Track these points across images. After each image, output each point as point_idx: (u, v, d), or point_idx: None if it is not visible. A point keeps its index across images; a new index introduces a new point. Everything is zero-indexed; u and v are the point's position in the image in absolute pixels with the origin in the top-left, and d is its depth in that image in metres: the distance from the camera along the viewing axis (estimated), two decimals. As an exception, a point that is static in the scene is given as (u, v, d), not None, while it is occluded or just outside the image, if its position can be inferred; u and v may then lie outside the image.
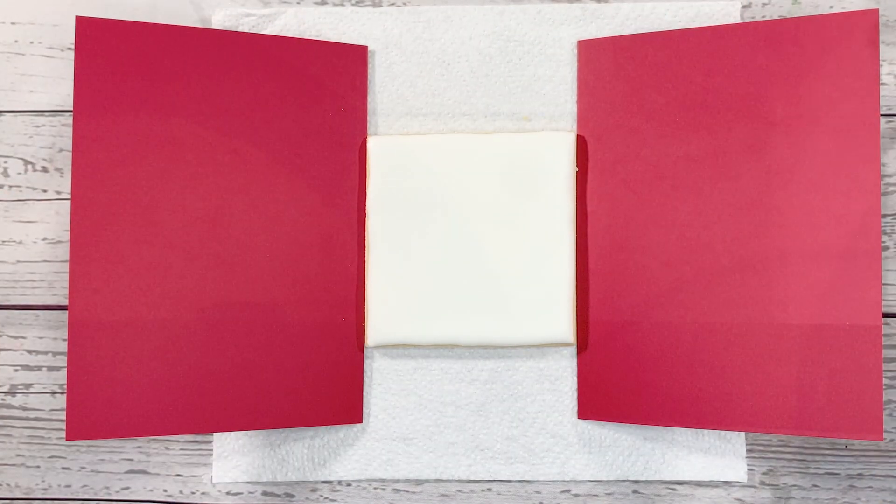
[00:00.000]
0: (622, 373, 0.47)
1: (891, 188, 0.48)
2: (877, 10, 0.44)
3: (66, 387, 0.48)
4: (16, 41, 0.49)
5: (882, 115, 0.48)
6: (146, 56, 0.45)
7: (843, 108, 0.44)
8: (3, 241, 0.49)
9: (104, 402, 0.44)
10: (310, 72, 0.48)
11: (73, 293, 0.44)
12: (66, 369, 0.48)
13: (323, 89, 0.48)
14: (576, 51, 0.49)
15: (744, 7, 0.49)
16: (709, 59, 0.46)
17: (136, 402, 0.45)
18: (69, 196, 0.49)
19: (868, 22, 0.44)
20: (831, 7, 0.48)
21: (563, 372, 0.48)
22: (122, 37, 0.44)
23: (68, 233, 0.48)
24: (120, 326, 0.45)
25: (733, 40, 0.46)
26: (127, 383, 0.45)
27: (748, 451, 0.48)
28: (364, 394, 0.48)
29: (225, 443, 0.49)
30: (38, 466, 0.49)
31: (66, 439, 0.44)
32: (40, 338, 0.49)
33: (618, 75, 0.48)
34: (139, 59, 0.45)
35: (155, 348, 0.45)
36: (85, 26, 0.44)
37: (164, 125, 0.46)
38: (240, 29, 0.48)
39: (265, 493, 0.49)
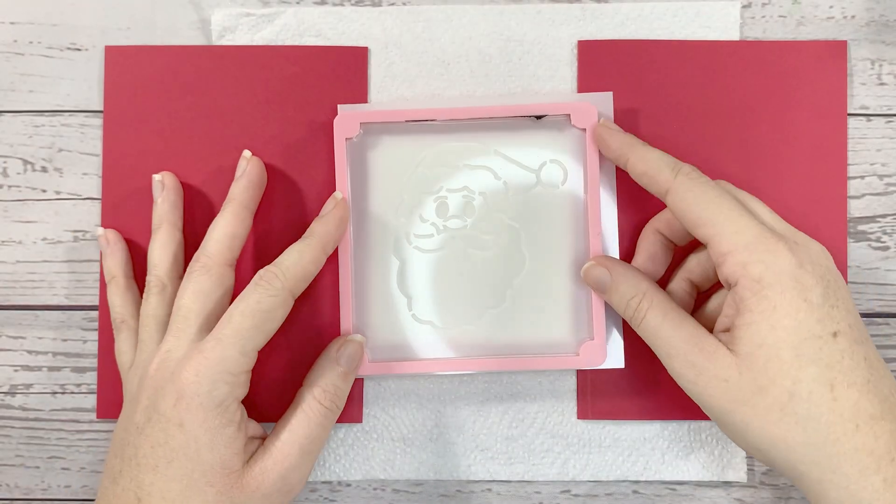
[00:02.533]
0: (622, 372, 0.47)
1: (891, 188, 0.48)
2: (845, 42, 0.47)
3: (67, 386, 0.49)
4: (15, 41, 0.49)
5: (882, 115, 0.48)
6: (164, 77, 0.48)
7: (813, 133, 0.47)
8: (3, 241, 0.49)
9: None
10: (310, 75, 0.48)
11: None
12: (66, 369, 0.49)
13: (323, 91, 0.48)
14: (576, 51, 0.49)
15: (744, 7, 0.48)
16: (704, 71, 0.48)
17: None
18: (69, 196, 0.49)
19: (836, 52, 0.47)
20: (831, 7, 0.48)
21: (563, 372, 0.48)
22: (146, 61, 0.48)
23: (68, 233, 0.49)
24: None
25: (725, 56, 0.48)
26: None
27: (748, 451, 0.48)
28: (364, 394, 0.48)
29: (225, 443, 0.49)
30: (38, 467, 0.49)
31: (97, 418, 0.48)
32: (40, 338, 0.49)
33: (618, 76, 0.48)
34: (159, 80, 0.48)
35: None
36: (113, 54, 0.48)
37: (177, 137, 0.48)
38: (239, 28, 0.49)
39: (265, 494, 0.49)
